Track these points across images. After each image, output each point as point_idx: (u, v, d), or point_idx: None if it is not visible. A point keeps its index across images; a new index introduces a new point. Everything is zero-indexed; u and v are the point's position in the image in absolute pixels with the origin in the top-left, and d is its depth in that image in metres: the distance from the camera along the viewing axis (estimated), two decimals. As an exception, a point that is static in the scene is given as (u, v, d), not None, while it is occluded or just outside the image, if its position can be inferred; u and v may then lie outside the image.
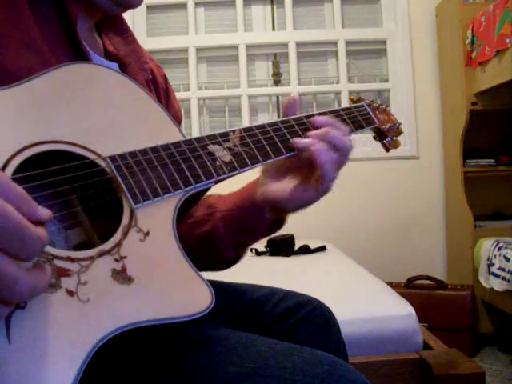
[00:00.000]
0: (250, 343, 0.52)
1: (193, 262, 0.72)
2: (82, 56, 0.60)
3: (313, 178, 0.59)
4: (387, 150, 0.83)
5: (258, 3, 2.83)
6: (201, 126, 2.80)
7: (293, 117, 0.65)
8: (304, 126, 0.66)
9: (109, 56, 0.70)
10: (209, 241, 0.69)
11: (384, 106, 0.83)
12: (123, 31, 0.73)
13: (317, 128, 0.62)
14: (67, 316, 0.39)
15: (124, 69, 0.69)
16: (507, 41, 1.98)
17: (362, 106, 0.78)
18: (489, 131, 2.62)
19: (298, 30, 2.78)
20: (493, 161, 2.48)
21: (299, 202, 0.60)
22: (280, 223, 0.69)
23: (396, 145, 0.83)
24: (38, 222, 0.34)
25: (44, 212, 0.34)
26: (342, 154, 0.59)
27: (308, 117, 0.67)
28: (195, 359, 0.49)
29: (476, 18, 2.27)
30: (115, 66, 0.68)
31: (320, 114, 0.68)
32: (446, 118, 2.64)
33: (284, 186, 0.62)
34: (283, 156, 0.63)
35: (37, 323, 0.37)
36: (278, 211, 0.65)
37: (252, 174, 0.65)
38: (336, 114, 0.71)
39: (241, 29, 2.76)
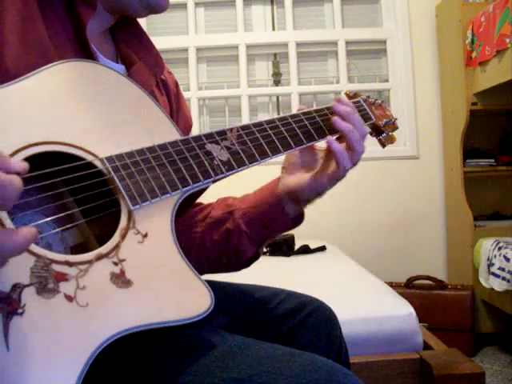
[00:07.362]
0: (247, 348, 0.51)
1: (211, 264, 0.73)
2: (89, 57, 0.60)
3: (328, 168, 0.66)
4: (383, 145, 0.82)
5: (257, 3, 2.83)
6: (201, 126, 2.79)
7: (289, 114, 0.65)
8: (301, 123, 0.66)
9: (122, 59, 0.70)
10: (229, 239, 0.71)
11: (380, 101, 0.82)
12: (138, 34, 0.73)
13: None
14: (66, 322, 0.38)
15: (135, 69, 0.68)
16: (507, 41, 1.98)
17: (359, 101, 0.76)
18: (489, 131, 2.61)
19: (298, 30, 2.78)
20: (493, 161, 2.48)
21: (316, 190, 0.67)
22: (299, 218, 0.73)
23: (392, 140, 0.82)
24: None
25: (17, 163, 0.36)
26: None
27: (305, 114, 0.67)
28: (192, 364, 0.49)
29: (476, 18, 2.27)
30: (121, 68, 0.68)
31: (316, 110, 0.68)
32: (446, 118, 2.64)
33: (303, 177, 0.68)
34: (281, 154, 0.62)
35: (36, 330, 0.36)
36: (297, 201, 0.69)
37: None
38: (331, 110, 0.70)
39: (241, 29, 2.76)
